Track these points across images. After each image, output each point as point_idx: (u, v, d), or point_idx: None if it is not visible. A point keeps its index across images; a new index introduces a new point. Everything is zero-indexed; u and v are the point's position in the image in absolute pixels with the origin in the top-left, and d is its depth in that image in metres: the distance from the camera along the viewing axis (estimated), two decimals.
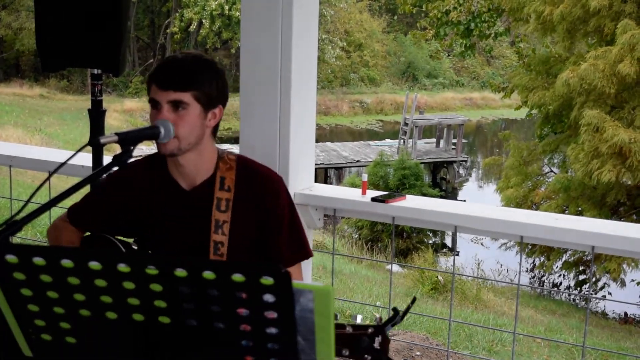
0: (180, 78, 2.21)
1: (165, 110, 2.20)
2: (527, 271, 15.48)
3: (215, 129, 2.35)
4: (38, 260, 1.35)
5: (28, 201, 1.86)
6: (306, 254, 2.46)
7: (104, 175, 2.30)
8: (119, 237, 2.49)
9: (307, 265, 2.78)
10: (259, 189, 2.35)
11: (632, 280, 13.64)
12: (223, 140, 25.23)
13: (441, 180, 25.61)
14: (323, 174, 23.61)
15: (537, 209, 14.45)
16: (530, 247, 13.96)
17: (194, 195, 2.35)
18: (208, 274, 1.29)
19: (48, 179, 2.06)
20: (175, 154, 2.25)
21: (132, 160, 2.20)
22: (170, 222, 2.37)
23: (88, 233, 2.52)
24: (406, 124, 25.99)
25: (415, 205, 3.03)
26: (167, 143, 2.21)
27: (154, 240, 2.43)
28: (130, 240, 2.50)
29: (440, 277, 9.50)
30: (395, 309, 1.82)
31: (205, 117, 2.27)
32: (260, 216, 2.34)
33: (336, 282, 8.92)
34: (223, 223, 2.30)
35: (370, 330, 1.82)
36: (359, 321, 1.86)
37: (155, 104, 2.23)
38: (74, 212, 2.51)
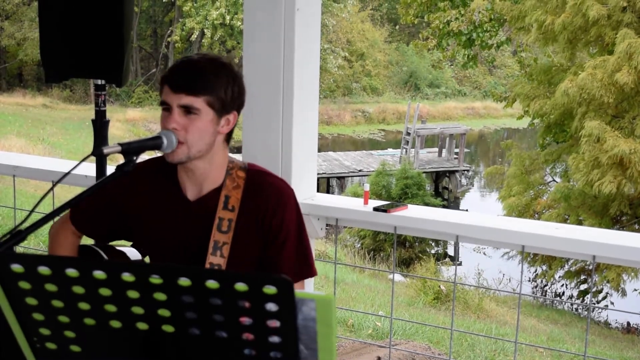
0: (194, 82, 2.11)
1: (176, 114, 2.11)
2: (529, 280, 15.46)
3: (228, 135, 2.25)
4: (43, 270, 1.36)
5: (32, 211, 1.87)
6: (310, 272, 2.36)
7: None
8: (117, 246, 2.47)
9: None
10: (266, 201, 2.25)
11: (635, 290, 13.62)
12: None
13: (443, 189, 25.59)
14: (325, 184, 23.62)
15: (538, 218, 14.45)
16: (532, 256, 13.94)
17: (196, 209, 2.26)
18: (211, 283, 1.30)
19: (52, 188, 2.08)
20: (184, 161, 2.17)
21: (139, 161, 2.16)
22: (168, 235, 2.29)
23: (89, 241, 2.51)
24: (408, 134, 25.98)
25: (417, 215, 3.03)
26: (175, 151, 2.13)
27: (149, 250, 2.37)
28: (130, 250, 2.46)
29: (442, 287, 9.50)
30: None
31: (217, 124, 2.17)
32: (265, 229, 2.25)
33: (338, 291, 8.91)
34: (223, 245, 2.21)
35: None
36: None
37: (166, 107, 2.14)
38: (76, 212, 2.42)
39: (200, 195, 2.27)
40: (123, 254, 2.42)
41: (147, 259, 2.42)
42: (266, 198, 2.26)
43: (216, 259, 2.20)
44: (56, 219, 2.31)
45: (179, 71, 2.16)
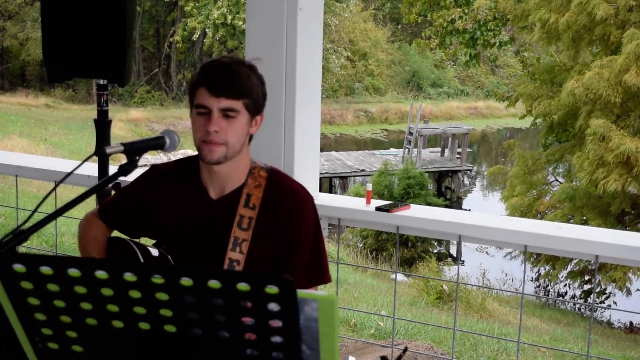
0: (233, 85, 2.18)
1: (216, 117, 2.17)
2: (532, 280, 15.43)
3: (251, 136, 2.33)
4: (45, 270, 1.35)
5: (35, 211, 1.87)
6: (323, 278, 2.40)
7: (138, 174, 2.27)
8: (141, 241, 2.48)
9: None
10: (285, 206, 2.31)
11: (638, 290, 13.60)
12: None
13: (446, 189, 25.56)
14: (328, 183, 23.60)
15: (542, 218, 14.43)
16: (535, 256, 13.93)
17: (218, 207, 2.32)
18: (213, 283, 1.30)
19: (54, 188, 2.08)
20: (222, 162, 2.23)
21: (165, 161, 2.18)
22: (190, 231, 2.35)
23: (116, 233, 2.52)
24: (411, 133, 25.95)
25: (420, 215, 3.03)
26: (214, 151, 2.20)
27: (172, 247, 2.40)
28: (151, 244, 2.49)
29: (444, 287, 9.49)
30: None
31: (250, 125, 2.26)
32: (282, 232, 2.30)
33: (341, 291, 8.91)
34: (242, 241, 2.26)
35: None
36: None
37: (204, 110, 2.19)
38: (104, 207, 2.52)
39: (223, 194, 2.34)
40: (148, 251, 2.44)
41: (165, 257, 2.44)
42: (285, 201, 2.32)
43: (235, 255, 2.26)
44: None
45: (217, 75, 2.20)
